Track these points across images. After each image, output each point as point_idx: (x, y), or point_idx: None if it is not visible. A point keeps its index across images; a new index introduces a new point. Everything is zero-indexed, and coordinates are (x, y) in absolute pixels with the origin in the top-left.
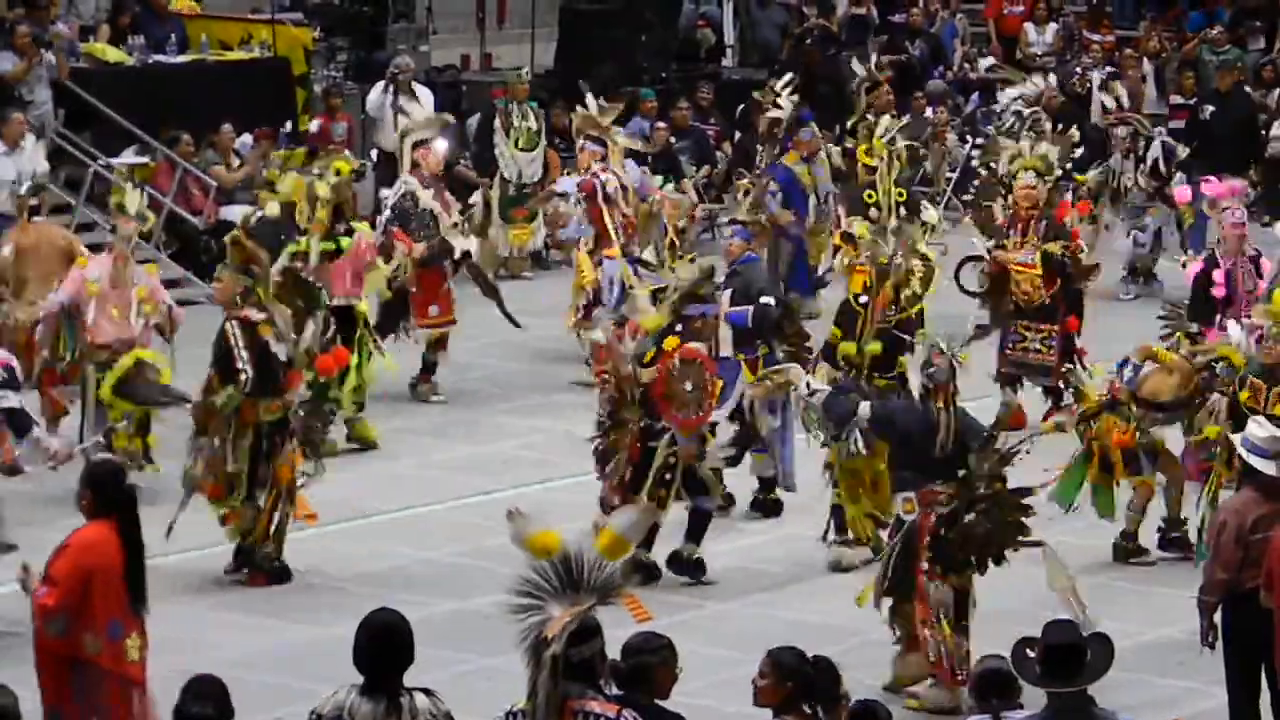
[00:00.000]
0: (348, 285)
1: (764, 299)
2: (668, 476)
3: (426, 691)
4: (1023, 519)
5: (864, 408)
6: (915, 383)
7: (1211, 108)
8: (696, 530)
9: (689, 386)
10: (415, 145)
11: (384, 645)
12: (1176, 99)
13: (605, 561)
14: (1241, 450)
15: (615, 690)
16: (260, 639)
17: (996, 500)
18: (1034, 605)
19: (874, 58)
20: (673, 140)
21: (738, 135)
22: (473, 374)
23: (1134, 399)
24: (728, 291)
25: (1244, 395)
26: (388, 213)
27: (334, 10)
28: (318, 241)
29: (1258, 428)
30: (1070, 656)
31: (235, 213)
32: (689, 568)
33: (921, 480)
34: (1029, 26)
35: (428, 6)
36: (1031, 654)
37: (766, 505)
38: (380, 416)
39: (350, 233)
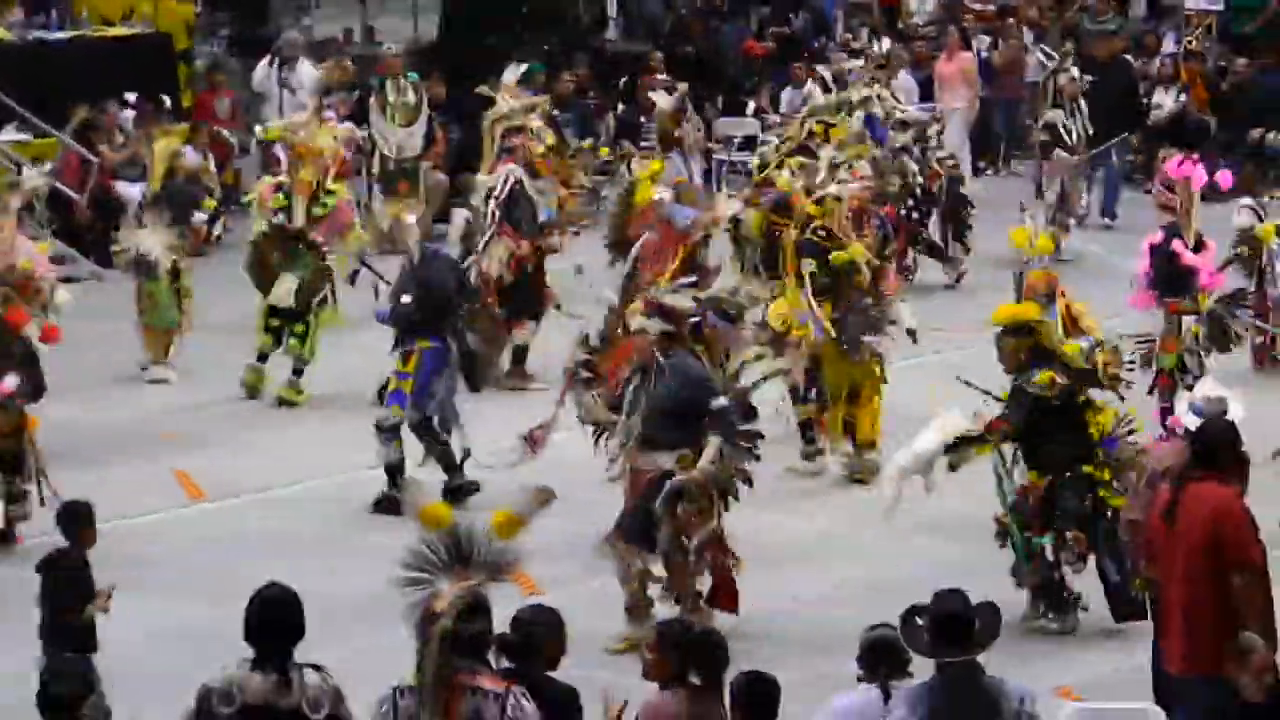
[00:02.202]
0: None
1: (403, 297)
2: None
3: (316, 667)
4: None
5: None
6: None
7: (1091, 77)
8: None
9: None
10: (509, 132)
11: (273, 620)
12: (1045, 58)
13: (496, 538)
14: (1184, 413)
15: (505, 664)
16: (155, 620)
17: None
18: (933, 574)
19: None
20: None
21: (621, 108)
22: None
23: None
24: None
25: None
26: (494, 204)
27: None
28: (302, 204)
29: (1204, 388)
30: (958, 625)
31: (131, 191)
32: None
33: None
34: None
35: None
36: (920, 623)
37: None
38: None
39: (329, 194)
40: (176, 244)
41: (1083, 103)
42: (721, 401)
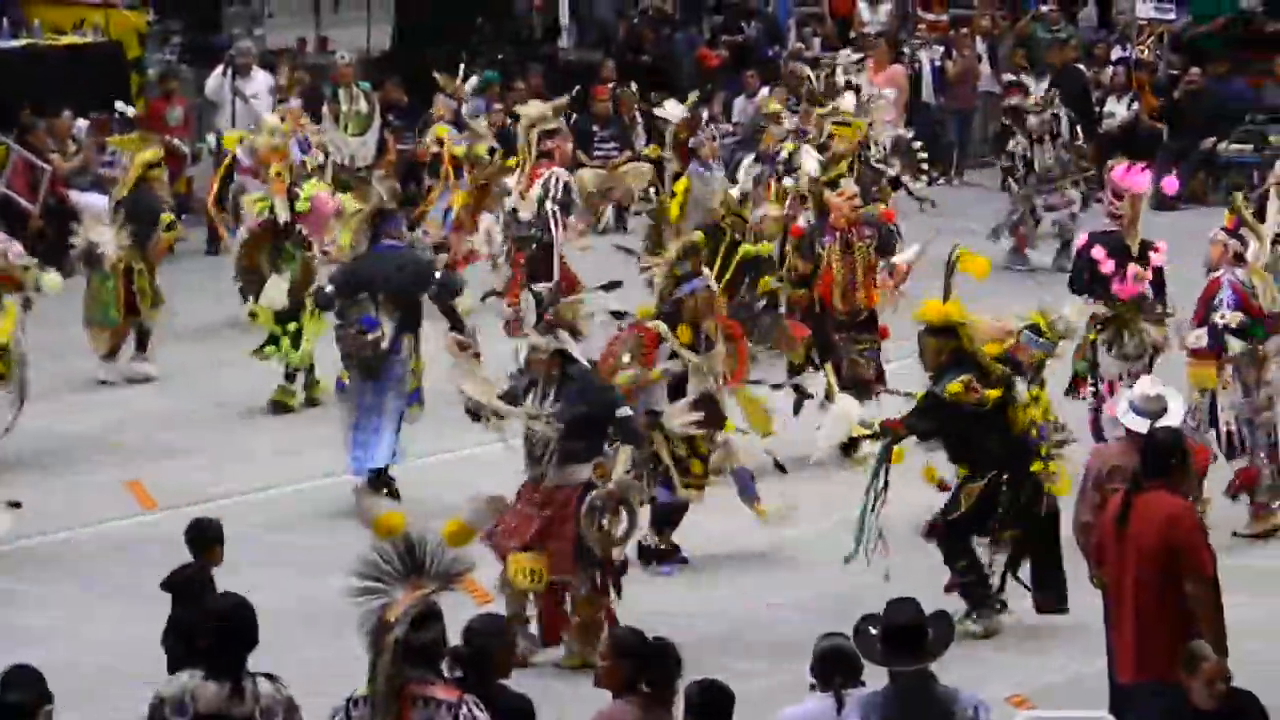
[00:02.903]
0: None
1: (326, 287)
2: (679, 454)
3: (269, 676)
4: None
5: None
6: None
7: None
8: (659, 519)
9: (626, 357)
10: (544, 135)
11: (226, 628)
12: (1010, 77)
13: (448, 547)
14: (1123, 412)
15: (457, 673)
16: (138, 625)
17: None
18: (905, 581)
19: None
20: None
21: (575, 117)
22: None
23: None
24: None
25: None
26: (550, 204)
27: None
28: (283, 198)
29: (1143, 386)
30: (911, 635)
31: (88, 199)
32: (657, 555)
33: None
34: (862, 5)
35: None
36: (873, 632)
37: None
38: (245, 396)
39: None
40: (130, 247)
41: (1048, 141)
42: (625, 410)
